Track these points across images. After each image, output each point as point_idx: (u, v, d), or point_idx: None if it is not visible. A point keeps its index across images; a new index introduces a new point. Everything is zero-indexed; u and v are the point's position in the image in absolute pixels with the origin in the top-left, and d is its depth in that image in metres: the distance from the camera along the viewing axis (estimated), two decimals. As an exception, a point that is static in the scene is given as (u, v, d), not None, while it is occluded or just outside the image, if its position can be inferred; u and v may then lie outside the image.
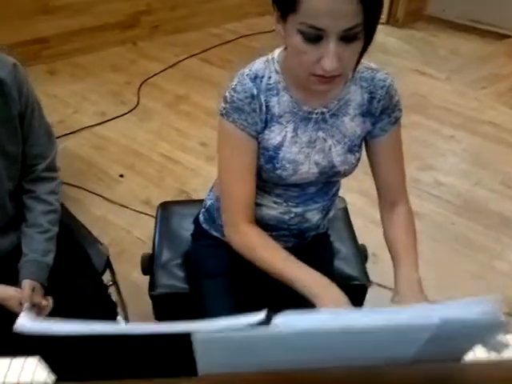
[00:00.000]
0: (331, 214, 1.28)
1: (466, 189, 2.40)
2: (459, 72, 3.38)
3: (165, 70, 3.21)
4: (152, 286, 1.33)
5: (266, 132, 1.03)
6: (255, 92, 0.99)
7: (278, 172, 1.06)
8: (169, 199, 2.27)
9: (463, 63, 3.52)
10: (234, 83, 1.01)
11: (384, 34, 3.86)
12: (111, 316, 1.32)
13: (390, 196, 1.14)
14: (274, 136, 1.04)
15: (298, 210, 1.15)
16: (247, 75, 1.00)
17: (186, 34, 3.59)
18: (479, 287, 1.96)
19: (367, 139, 1.10)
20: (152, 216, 2.20)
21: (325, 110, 1.04)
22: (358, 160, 1.11)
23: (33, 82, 3.11)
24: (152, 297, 1.31)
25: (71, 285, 1.26)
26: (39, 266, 1.20)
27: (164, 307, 1.34)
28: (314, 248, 1.27)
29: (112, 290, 1.58)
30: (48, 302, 1.18)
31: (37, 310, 1.17)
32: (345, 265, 1.38)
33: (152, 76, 3.14)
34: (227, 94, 1.01)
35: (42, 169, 1.26)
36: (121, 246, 2.10)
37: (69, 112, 2.83)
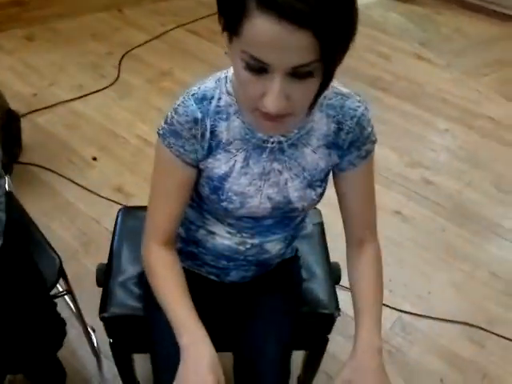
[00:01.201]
0: (296, 241, 1.18)
1: (456, 190, 2.29)
2: (461, 55, 3.21)
3: (149, 40, 3.03)
4: (104, 305, 1.23)
5: (210, 160, 0.91)
6: (199, 116, 0.86)
7: (224, 204, 0.94)
8: (142, 187, 2.19)
9: (466, 45, 3.34)
10: (178, 103, 0.87)
11: (384, 9, 3.66)
12: (59, 335, 1.23)
13: (356, 234, 1.02)
14: (219, 165, 0.91)
15: (255, 241, 1.03)
16: (193, 95, 0.86)
17: (175, 2, 3.38)
18: (458, 298, 1.88)
19: (334, 170, 0.98)
20: (123, 205, 2.10)
21: (282, 138, 0.90)
22: (321, 195, 0.98)
23: (9, 47, 2.96)
24: (103, 318, 1.21)
25: (15, 303, 1.16)
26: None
27: (118, 330, 1.25)
28: (279, 275, 1.17)
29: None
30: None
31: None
32: (313, 290, 1.28)
33: (135, 47, 2.96)
34: (168, 113, 0.88)
35: (-17, 176, 1.14)
36: (88, 236, 2.00)
37: (44, 84, 2.67)
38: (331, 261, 1.38)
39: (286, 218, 1.01)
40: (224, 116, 0.88)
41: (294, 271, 1.24)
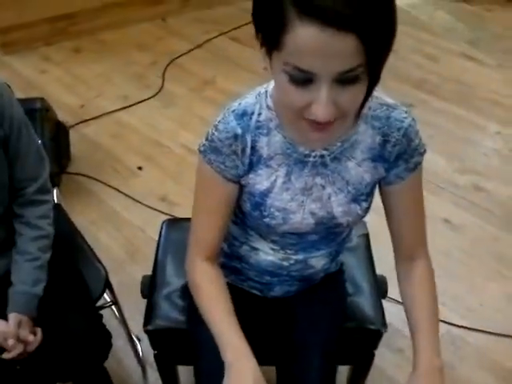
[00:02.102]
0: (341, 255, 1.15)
1: (508, 196, 2.19)
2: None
3: (192, 49, 3.06)
4: (148, 317, 1.23)
5: (251, 176, 0.90)
6: (239, 132, 0.85)
7: (266, 220, 0.93)
8: (186, 196, 2.20)
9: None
10: (218, 119, 0.87)
11: (432, 8, 3.55)
12: (105, 347, 1.25)
13: (406, 250, 1.00)
14: (260, 180, 0.90)
15: (299, 257, 1.02)
16: (233, 111, 0.86)
17: (217, 9, 3.40)
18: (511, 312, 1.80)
19: (381, 183, 0.95)
20: (168, 214, 2.13)
21: (325, 152, 0.88)
22: (367, 210, 0.95)
23: (58, 59, 3.05)
24: (147, 331, 1.22)
25: (61, 315, 1.19)
26: (27, 297, 1.14)
27: (162, 342, 1.25)
28: (323, 289, 1.14)
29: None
30: (36, 337, 1.12)
31: (23, 345, 1.11)
32: (359, 305, 1.25)
33: (179, 56, 2.99)
34: (209, 130, 0.88)
35: (32, 192, 1.17)
36: (134, 245, 2.03)
37: (91, 95, 2.74)
38: (377, 273, 1.35)
39: (331, 233, 0.99)
40: (265, 131, 0.87)
41: (338, 285, 1.21)
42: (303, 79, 0.68)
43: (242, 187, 0.93)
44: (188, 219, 1.50)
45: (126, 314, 1.59)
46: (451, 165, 2.34)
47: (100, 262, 1.39)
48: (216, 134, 0.87)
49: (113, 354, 1.66)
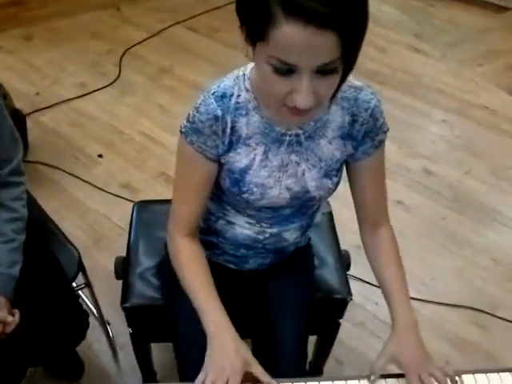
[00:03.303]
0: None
1: (456, 179, 2.34)
2: (455, 46, 3.25)
3: (148, 38, 3.05)
4: (125, 296, 1.27)
5: (231, 154, 0.96)
6: (219, 113, 0.91)
7: (245, 196, 0.99)
8: (149, 182, 2.23)
9: (460, 36, 3.38)
10: (199, 101, 0.92)
11: (378, 1, 3.70)
12: (83, 327, 1.27)
13: (370, 218, 1.08)
14: (240, 159, 0.96)
15: (273, 230, 1.08)
16: (213, 94, 0.91)
17: (172, -1, 3.40)
18: (461, 284, 1.94)
19: (348, 160, 1.03)
20: (131, 201, 2.14)
21: (300, 131, 0.95)
22: (337, 184, 1.03)
23: (9, 47, 2.96)
24: (124, 309, 1.25)
25: (39, 296, 1.20)
26: (4, 278, 1.14)
27: (138, 319, 1.29)
28: (293, 262, 1.21)
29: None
30: (14, 318, 1.13)
31: (1, 326, 1.11)
32: (325, 277, 1.33)
33: (135, 45, 2.98)
34: (190, 112, 0.93)
35: (6, 173, 1.17)
36: (99, 232, 2.03)
37: (46, 83, 2.69)
38: (342, 248, 1.43)
39: (304, 207, 1.06)
40: (243, 112, 0.92)
41: (307, 258, 1.28)
42: (286, 70, 0.74)
43: (221, 165, 0.98)
44: (156, 201, 1.56)
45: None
46: (402, 151, 2.47)
47: (72, 244, 1.40)
48: (197, 115, 0.91)
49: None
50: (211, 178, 0.99)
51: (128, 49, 2.95)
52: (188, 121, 0.93)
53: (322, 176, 0.99)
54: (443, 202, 2.23)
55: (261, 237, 1.09)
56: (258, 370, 0.90)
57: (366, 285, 1.83)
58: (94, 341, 1.68)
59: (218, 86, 0.92)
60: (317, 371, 1.64)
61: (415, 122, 2.65)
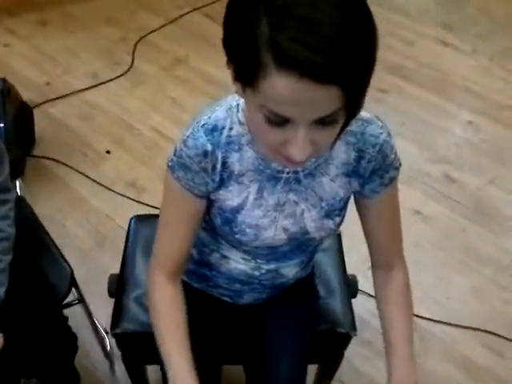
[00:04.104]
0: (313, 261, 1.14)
1: (478, 187, 2.21)
2: (486, 39, 3.06)
3: (164, 25, 2.94)
4: (116, 319, 1.21)
5: (222, 192, 0.87)
6: (209, 148, 0.81)
7: (237, 236, 0.90)
8: (155, 182, 2.16)
9: (492, 29, 3.19)
10: (187, 134, 0.83)
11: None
12: (70, 350, 1.22)
13: (382, 258, 0.99)
14: (231, 197, 0.87)
15: (270, 266, 1.00)
16: (203, 126, 0.82)
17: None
18: (478, 303, 1.83)
19: (356, 195, 0.93)
20: (137, 201, 2.08)
21: (298, 168, 0.86)
22: (339, 224, 0.94)
23: (22, 33, 2.90)
24: (115, 335, 1.19)
25: (25, 319, 1.15)
26: (-13, 301, 1.09)
27: (130, 345, 1.23)
28: (292, 295, 1.13)
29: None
30: (-2, 341, 1.08)
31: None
32: (330, 307, 1.25)
33: (150, 32, 2.88)
34: (178, 144, 0.84)
35: (-8, 191, 1.12)
36: (102, 234, 1.98)
37: (58, 72, 2.62)
38: (348, 273, 1.35)
39: (303, 245, 0.98)
40: (236, 147, 0.83)
41: (309, 289, 1.20)
42: (280, 121, 0.65)
43: (211, 200, 0.90)
44: (157, 216, 1.48)
45: (93, 305, 1.56)
46: (422, 154, 2.34)
47: (65, 259, 1.35)
48: (185, 149, 0.82)
49: (80, 346, 1.64)
50: (199, 215, 0.90)
51: (143, 37, 2.85)
52: (175, 154, 0.84)
53: (322, 216, 0.90)
54: (464, 213, 2.11)
55: (257, 273, 1.01)
56: None
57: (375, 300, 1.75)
58: (91, 350, 1.64)
59: (209, 118, 0.83)
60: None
61: (438, 123, 2.51)
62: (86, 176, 2.15)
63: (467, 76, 2.77)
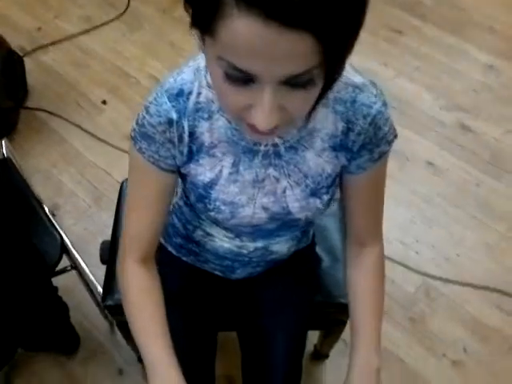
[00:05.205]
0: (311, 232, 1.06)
1: (495, 137, 2.08)
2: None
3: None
4: (107, 289, 1.15)
5: (192, 166, 0.76)
6: (174, 116, 0.71)
7: (212, 214, 0.81)
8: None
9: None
10: (150, 99, 0.72)
11: None
12: (63, 320, 1.18)
13: (357, 237, 0.89)
14: (203, 171, 0.77)
15: (258, 244, 0.91)
16: (167, 91, 0.71)
17: None
18: (490, 262, 1.76)
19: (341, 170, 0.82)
20: (135, 156, 1.99)
21: (278, 140, 0.74)
22: (329, 202, 0.82)
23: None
24: (107, 307, 1.14)
25: (14, 288, 1.10)
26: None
27: (122, 315, 1.18)
28: (290, 266, 1.05)
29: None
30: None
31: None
32: (332, 276, 1.18)
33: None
34: (140, 112, 0.73)
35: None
36: (99, 190, 1.91)
37: (50, 16, 2.47)
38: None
39: (289, 223, 0.87)
40: (205, 115, 0.72)
41: (309, 260, 1.12)
42: (242, 79, 0.54)
43: (183, 175, 0.80)
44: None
45: (92, 265, 1.51)
46: (437, 101, 2.20)
47: (55, 226, 1.28)
48: (147, 117, 0.71)
49: (78, 307, 1.62)
50: (169, 190, 0.80)
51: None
52: (137, 123, 0.74)
53: (307, 195, 0.79)
54: (478, 165, 2.00)
55: (244, 251, 0.93)
56: None
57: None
58: (91, 312, 1.61)
59: (174, 81, 0.71)
60: (322, 355, 1.55)
61: (456, 67, 2.34)
62: (82, 128, 2.06)
63: (490, 14, 2.56)
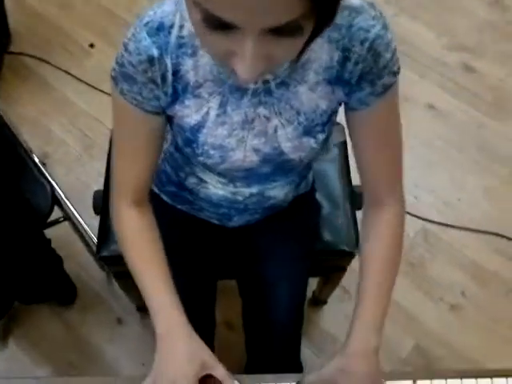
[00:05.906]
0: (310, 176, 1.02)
1: (500, 78, 2.01)
2: None
3: None
4: (101, 242, 1.12)
5: (178, 107, 0.71)
6: (155, 54, 0.65)
7: (201, 159, 0.76)
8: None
9: None
10: (128, 35, 0.66)
11: None
12: (57, 272, 1.16)
13: (374, 194, 0.81)
14: (189, 113, 0.72)
15: (252, 190, 0.87)
16: (146, 25, 0.64)
17: None
18: (490, 206, 1.74)
19: (345, 109, 0.76)
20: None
21: (269, 76, 0.69)
22: (324, 142, 0.76)
23: None
24: (102, 258, 1.12)
25: (6, 242, 1.08)
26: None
27: (118, 265, 1.16)
28: (290, 214, 1.01)
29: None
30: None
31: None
32: (332, 223, 1.16)
33: None
34: (119, 50, 0.67)
35: None
36: (91, 138, 1.86)
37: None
38: (354, 184, 1.23)
39: (284, 166, 0.81)
40: (189, 51, 0.66)
41: (308, 206, 1.09)
42: (220, 26, 0.48)
43: (170, 117, 0.75)
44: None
45: (86, 215, 1.47)
46: (440, 40, 2.11)
47: (45, 176, 1.24)
48: (126, 55, 0.66)
49: (74, 257, 1.60)
50: (157, 133, 0.75)
51: None
52: (117, 62, 0.68)
53: (300, 134, 0.74)
54: (481, 108, 1.94)
55: (239, 197, 0.89)
56: (220, 373, 0.73)
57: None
58: (87, 262, 1.59)
59: (154, 13, 0.65)
60: (320, 302, 1.55)
61: (460, 3, 2.23)
62: (70, 74, 1.97)
63: None
